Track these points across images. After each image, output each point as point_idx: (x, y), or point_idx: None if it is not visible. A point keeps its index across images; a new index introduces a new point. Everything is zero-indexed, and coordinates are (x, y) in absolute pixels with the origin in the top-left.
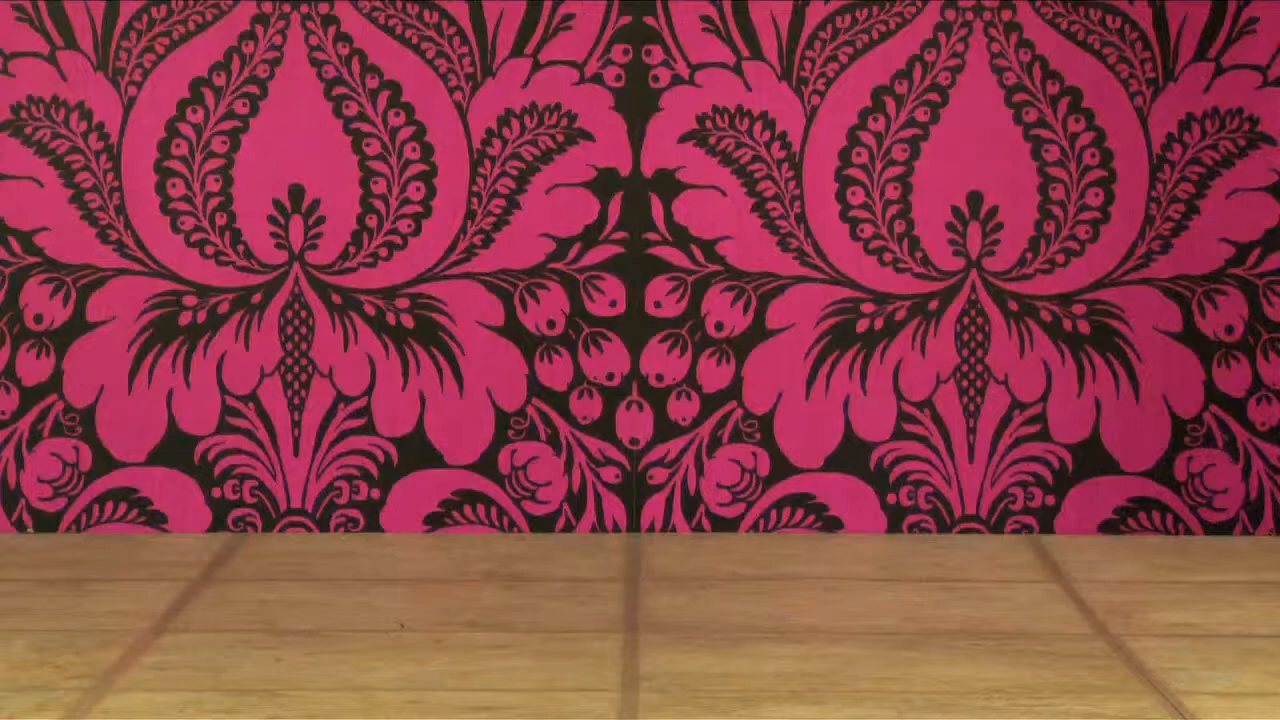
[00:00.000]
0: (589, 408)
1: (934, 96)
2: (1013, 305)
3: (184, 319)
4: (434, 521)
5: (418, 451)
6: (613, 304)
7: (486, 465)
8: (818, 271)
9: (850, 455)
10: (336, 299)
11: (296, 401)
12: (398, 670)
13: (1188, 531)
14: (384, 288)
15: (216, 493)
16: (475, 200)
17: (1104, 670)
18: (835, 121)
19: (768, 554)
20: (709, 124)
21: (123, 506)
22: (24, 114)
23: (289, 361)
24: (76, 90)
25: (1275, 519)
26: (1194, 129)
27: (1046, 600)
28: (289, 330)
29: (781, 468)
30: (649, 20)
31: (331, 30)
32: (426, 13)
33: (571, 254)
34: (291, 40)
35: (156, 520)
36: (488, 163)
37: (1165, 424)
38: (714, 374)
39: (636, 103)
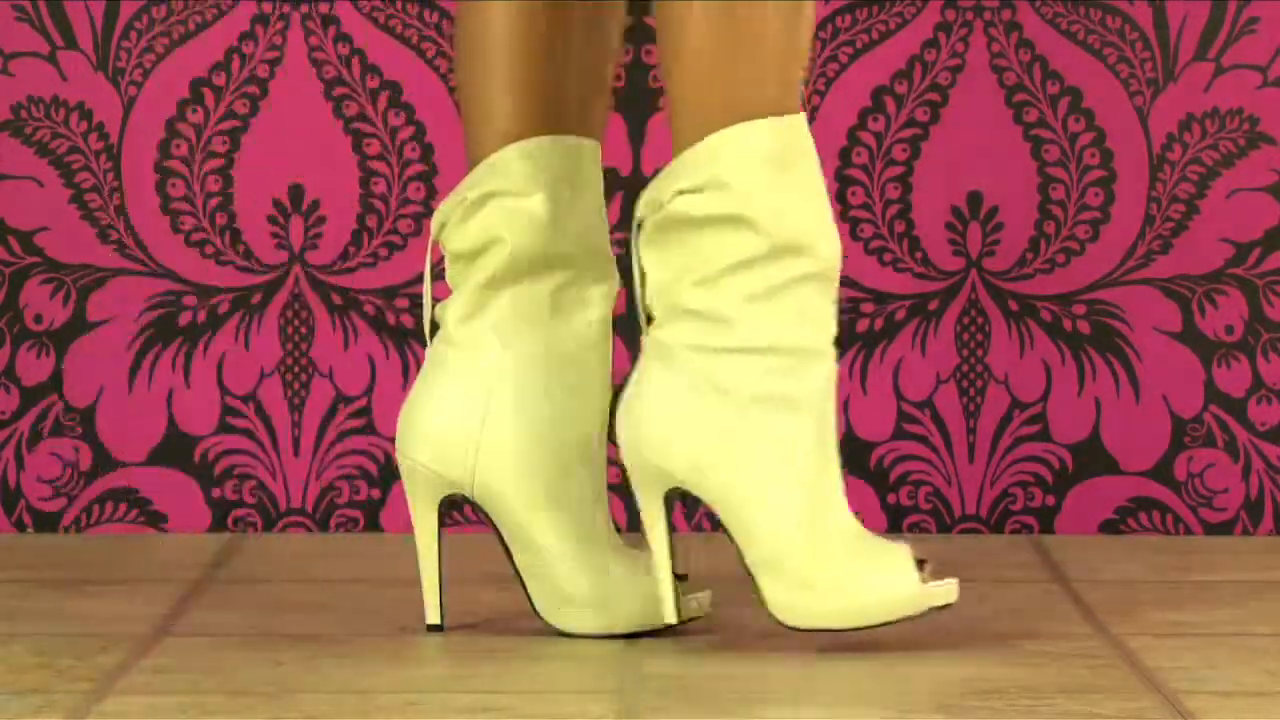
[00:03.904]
0: None
1: (934, 96)
2: (1013, 305)
3: (184, 319)
4: None
5: None
6: None
7: None
8: None
9: (850, 455)
10: (336, 299)
11: (296, 401)
12: (397, 672)
13: (1188, 531)
14: (384, 288)
15: (216, 493)
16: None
17: (1104, 670)
18: (835, 121)
19: None
20: None
21: (123, 506)
22: (24, 114)
23: (289, 361)
24: (76, 90)
25: (1275, 519)
26: (1194, 129)
27: (1046, 600)
28: (289, 330)
29: None
30: (649, 20)
31: (331, 30)
32: (426, 13)
33: None
34: (291, 40)
35: (156, 520)
36: None
37: (1165, 424)
38: None
39: (636, 103)
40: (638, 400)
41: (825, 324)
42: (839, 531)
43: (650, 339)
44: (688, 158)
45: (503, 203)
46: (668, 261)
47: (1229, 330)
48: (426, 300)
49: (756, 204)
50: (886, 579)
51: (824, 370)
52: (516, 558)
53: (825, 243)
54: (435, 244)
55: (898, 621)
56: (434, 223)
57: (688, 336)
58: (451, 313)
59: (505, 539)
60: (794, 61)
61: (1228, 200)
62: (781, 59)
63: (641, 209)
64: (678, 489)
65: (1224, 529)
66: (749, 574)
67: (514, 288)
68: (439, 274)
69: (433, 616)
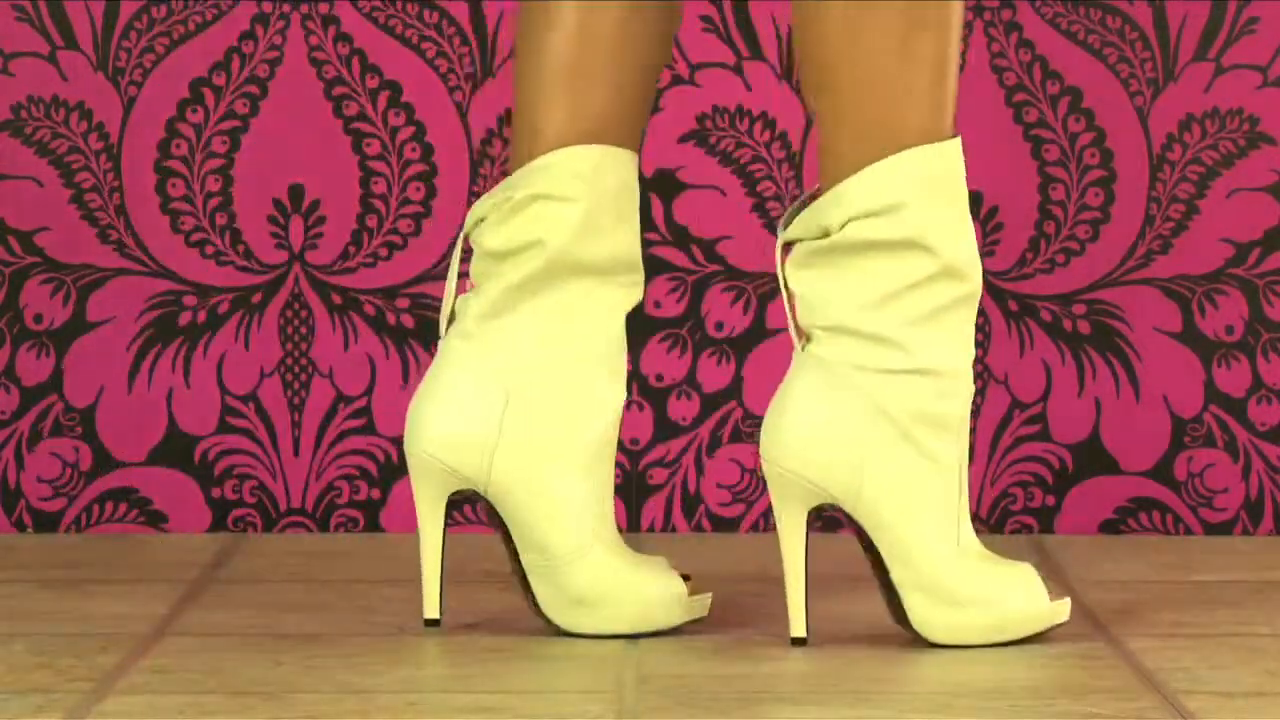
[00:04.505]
0: None
1: None
2: (1013, 305)
3: (184, 319)
4: None
5: None
6: None
7: None
8: None
9: None
10: (336, 299)
11: (296, 401)
12: (397, 672)
13: (1188, 531)
14: (384, 288)
15: (216, 493)
16: (475, 200)
17: (1104, 670)
18: None
19: (768, 554)
20: (709, 124)
21: (123, 506)
22: (24, 114)
23: (289, 361)
24: (76, 90)
25: (1275, 519)
26: (1194, 129)
27: None
28: (289, 330)
29: None
30: None
31: (331, 30)
32: (426, 13)
33: None
34: (291, 40)
35: (156, 520)
36: (488, 163)
37: (1165, 424)
38: (714, 374)
39: None
40: (790, 415)
41: (971, 345)
42: (972, 549)
43: (807, 354)
44: (857, 183)
45: (547, 207)
46: (830, 284)
47: (1229, 330)
48: (450, 291)
49: (932, 228)
50: (1024, 595)
51: (968, 390)
52: (524, 557)
53: (978, 266)
54: (465, 238)
55: (1027, 638)
56: (469, 217)
57: (853, 356)
58: (474, 308)
59: (513, 538)
60: (949, 84)
61: (1228, 200)
62: (937, 82)
63: (795, 232)
64: (823, 505)
65: (1224, 529)
66: (893, 590)
67: (545, 291)
68: (464, 269)
69: (431, 611)
